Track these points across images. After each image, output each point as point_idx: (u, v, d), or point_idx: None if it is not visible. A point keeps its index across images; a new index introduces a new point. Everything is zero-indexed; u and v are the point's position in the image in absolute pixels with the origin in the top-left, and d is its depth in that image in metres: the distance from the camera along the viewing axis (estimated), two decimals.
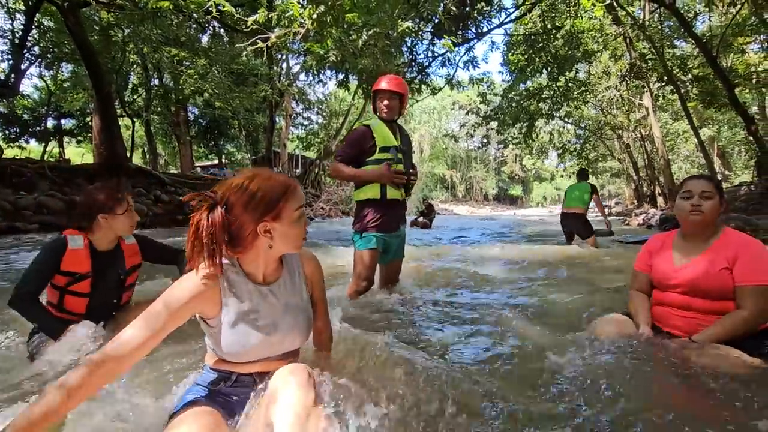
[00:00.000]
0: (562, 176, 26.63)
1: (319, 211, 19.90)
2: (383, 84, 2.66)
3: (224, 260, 1.11)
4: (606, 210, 6.30)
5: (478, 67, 16.58)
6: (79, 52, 11.30)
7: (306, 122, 29.04)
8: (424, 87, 12.02)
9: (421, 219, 12.22)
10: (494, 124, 17.10)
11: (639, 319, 1.82)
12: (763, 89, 14.90)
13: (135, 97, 19.45)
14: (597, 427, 1.22)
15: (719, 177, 15.33)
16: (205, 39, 15.37)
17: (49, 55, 14.81)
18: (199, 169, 24.13)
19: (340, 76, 10.47)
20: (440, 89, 13.52)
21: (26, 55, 13.37)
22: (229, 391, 1.12)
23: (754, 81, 13.81)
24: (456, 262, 4.65)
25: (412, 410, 1.31)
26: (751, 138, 10.98)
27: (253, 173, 1.08)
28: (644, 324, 1.78)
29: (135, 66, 18.03)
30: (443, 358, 1.80)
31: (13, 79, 11.72)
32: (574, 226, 5.92)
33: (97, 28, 12.63)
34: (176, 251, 2.15)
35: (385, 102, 2.65)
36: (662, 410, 1.32)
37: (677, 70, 13.13)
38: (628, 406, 1.33)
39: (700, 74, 12.97)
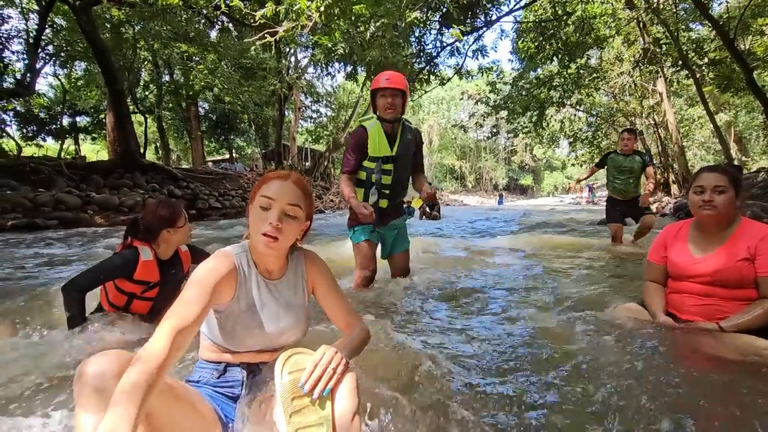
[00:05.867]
0: (573, 165, 26.23)
1: (328, 204, 20.01)
2: (384, 81, 2.55)
3: (237, 249, 1.17)
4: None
5: (487, 56, 16.31)
6: (92, 49, 11.47)
7: (315, 115, 29.03)
8: (432, 77, 11.94)
9: (428, 210, 12.24)
10: (504, 114, 16.89)
11: (654, 309, 1.83)
12: None
13: (147, 93, 19.67)
14: (618, 415, 1.24)
15: (736, 163, 15.00)
16: (213, 34, 15.44)
17: (62, 54, 15.03)
18: (210, 163, 24.35)
19: (349, 69, 10.46)
20: (449, 79, 13.41)
21: (41, 55, 13.59)
22: (217, 383, 1.14)
23: None
24: (468, 252, 4.68)
25: (430, 397, 1.36)
26: None
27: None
28: (659, 314, 1.79)
29: (146, 63, 18.19)
30: (458, 348, 1.85)
31: (29, 79, 11.96)
32: None
33: (108, 25, 12.81)
34: (208, 254, 2.35)
35: (389, 100, 2.54)
36: (685, 399, 1.31)
37: (692, 54, 12.79)
38: (646, 394, 1.32)
39: (716, 58, 12.61)
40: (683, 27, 13.50)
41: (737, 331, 1.58)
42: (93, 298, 1.96)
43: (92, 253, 4.96)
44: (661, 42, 13.37)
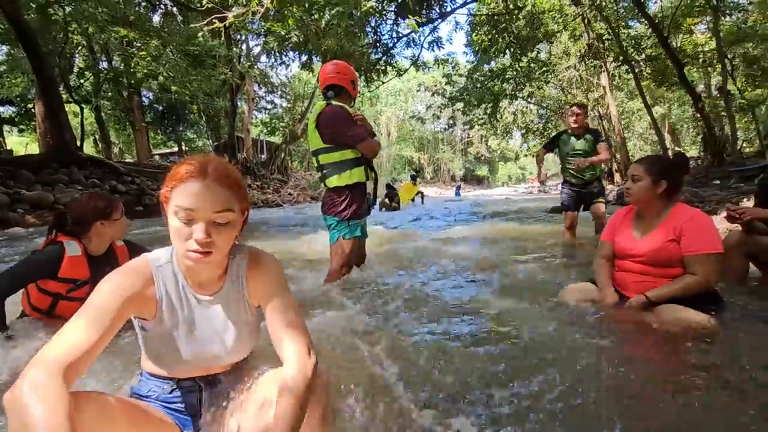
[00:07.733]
0: (526, 156, 27.35)
1: (286, 197, 19.56)
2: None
3: (161, 258, 0.97)
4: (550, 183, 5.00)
5: (443, 48, 16.54)
6: (14, 32, 10.35)
7: (269, 106, 28.13)
8: (389, 68, 11.90)
9: (387, 201, 12.30)
10: (460, 105, 17.24)
11: (601, 283, 2.02)
12: (708, 68, 15.76)
13: (82, 81, 18.11)
14: (565, 387, 1.30)
15: (669, 153, 16.24)
16: (156, 18, 14.45)
17: None
18: (157, 157, 22.96)
19: (304, 58, 10.16)
20: (406, 71, 13.42)
21: None
22: (168, 399, 1.00)
23: (700, 60, 14.56)
24: (426, 241, 4.72)
25: (390, 392, 1.34)
26: (698, 115, 11.65)
27: None
28: (605, 287, 1.97)
29: (80, 48, 16.74)
30: (417, 336, 1.84)
31: None
32: None
33: (33, 5, 11.57)
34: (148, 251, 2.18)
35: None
36: (622, 365, 1.43)
37: (632, 50, 13.64)
38: (590, 364, 1.44)
39: (652, 54, 13.54)
40: (623, 24, 14.35)
41: (666, 302, 1.76)
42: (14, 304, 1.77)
43: (23, 256, 4.51)
44: (604, 38, 14.13)
